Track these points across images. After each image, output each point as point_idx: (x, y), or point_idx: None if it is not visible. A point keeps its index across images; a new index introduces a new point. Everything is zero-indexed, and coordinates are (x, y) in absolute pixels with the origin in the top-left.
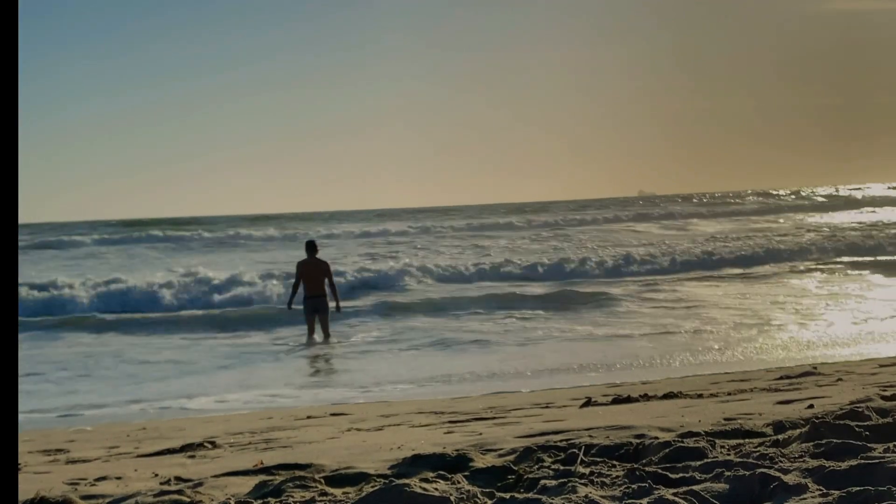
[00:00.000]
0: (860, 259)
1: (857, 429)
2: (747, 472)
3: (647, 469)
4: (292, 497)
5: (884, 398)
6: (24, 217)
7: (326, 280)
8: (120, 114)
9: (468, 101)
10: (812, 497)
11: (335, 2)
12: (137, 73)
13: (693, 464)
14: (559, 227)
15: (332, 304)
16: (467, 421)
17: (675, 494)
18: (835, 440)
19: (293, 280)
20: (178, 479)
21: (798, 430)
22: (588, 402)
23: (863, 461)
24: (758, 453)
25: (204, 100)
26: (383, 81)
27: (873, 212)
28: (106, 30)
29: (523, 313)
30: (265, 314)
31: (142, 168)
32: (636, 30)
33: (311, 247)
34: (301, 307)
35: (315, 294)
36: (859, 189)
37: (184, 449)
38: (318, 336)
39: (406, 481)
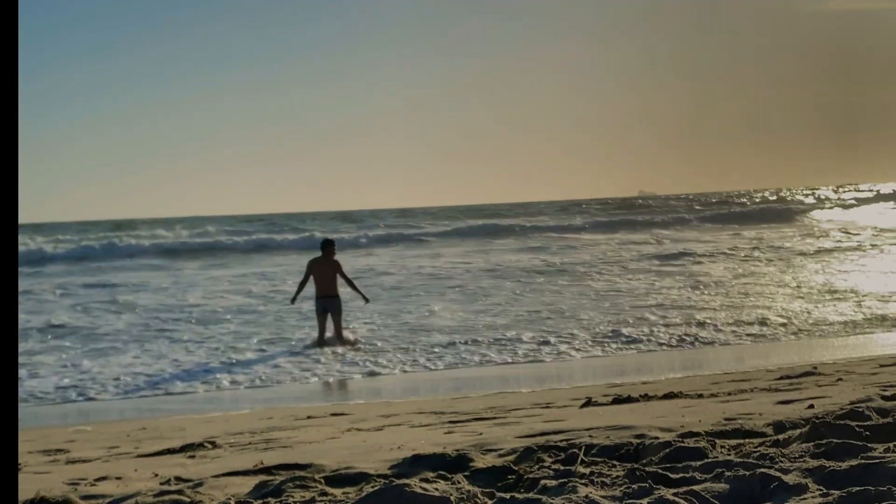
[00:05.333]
0: None
1: (857, 429)
2: (747, 472)
3: (647, 469)
4: (292, 497)
5: (884, 398)
6: (23, 217)
7: (340, 278)
8: (117, 113)
9: (473, 104)
10: (812, 497)
11: (341, 8)
12: (137, 73)
13: (693, 464)
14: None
15: (352, 300)
16: (467, 421)
17: (675, 494)
18: (835, 440)
19: (301, 278)
20: (178, 479)
21: (798, 430)
22: (588, 402)
23: (863, 461)
24: (758, 453)
25: (209, 101)
26: (388, 86)
27: None
28: (105, 31)
29: None
30: None
31: (140, 168)
32: (636, 31)
33: (328, 246)
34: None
35: (326, 294)
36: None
37: (184, 449)
38: (329, 336)
39: (406, 481)
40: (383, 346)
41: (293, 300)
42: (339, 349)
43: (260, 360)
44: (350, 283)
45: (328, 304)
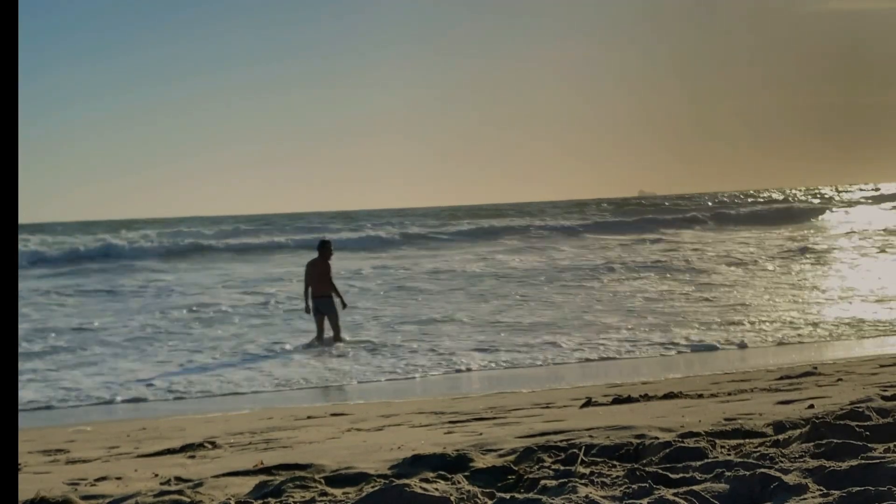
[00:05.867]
0: None
1: (857, 429)
2: (747, 473)
3: (647, 469)
4: (292, 497)
5: (884, 398)
6: (22, 218)
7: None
8: (117, 113)
9: (473, 104)
10: (812, 497)
11: (340, 8)
12: (137, 73)
13: (693, 464)
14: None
15: (337, 301)
16: (467, 421)
17: (675, 494)
18: (835, 440)
19: (303, 283)
20: (178, 479)
21: (798, 431)
22: (588, 403)
23: (863, 461)
24: (758, 453)
25: (209, 101)
26: (388, 86)
27: None
28: (105, 31)
29: None
30: None
31: (140, 168)
32: (636, 31)
33: (323, 247)
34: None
35: (319, 295)
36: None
37: (184, 449)
38: (328, 336)
39: (406, 481)
40: (387, 346)
41: (306, 309)
42: (338, 348)
43: (261, 360)
44: (332, 286)
45: (321, 305)
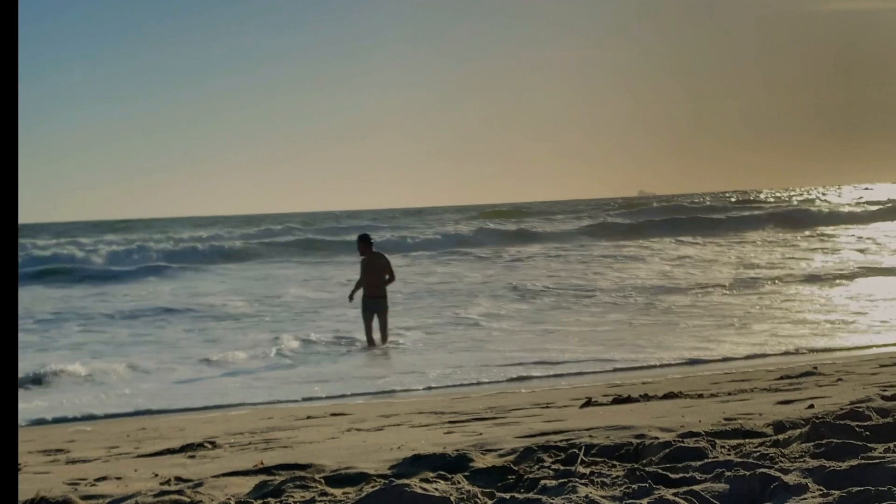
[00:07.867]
0: None
1: (857, 429)
2: (748, 473)
3: (647, 469)
4: (292, 497)
5: (884, 398)
6: (26, 218)
7: (387, 275)
8: (122, 119)
9: (474, 105)
10: (812, 497)
11: (341, 11)
12: (140, 78)
13: (693, 464)
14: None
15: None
16: (467, 421)
17: (675, 494)
18: (835, 440)
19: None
20: (178, 479)
21: (798, 430)
22: (588, 403)
23: (863, 461)
24: (758, 453)
25: (211, 104)
26: (387, 88)
27: None
28: (110, 36)
29: None
30: None
31: (148, 171)
32: (635, 32)
33: (366, 241)
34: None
35: (374, 295)
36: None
37: (184, 449)
38: (376, 338)
39: (406, 481)
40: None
41: (351, 296)
42: (383, 347)
43: (306, 361)
44: (392, 280)
45: (376, 305)
